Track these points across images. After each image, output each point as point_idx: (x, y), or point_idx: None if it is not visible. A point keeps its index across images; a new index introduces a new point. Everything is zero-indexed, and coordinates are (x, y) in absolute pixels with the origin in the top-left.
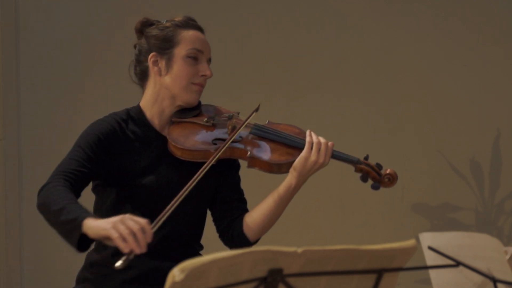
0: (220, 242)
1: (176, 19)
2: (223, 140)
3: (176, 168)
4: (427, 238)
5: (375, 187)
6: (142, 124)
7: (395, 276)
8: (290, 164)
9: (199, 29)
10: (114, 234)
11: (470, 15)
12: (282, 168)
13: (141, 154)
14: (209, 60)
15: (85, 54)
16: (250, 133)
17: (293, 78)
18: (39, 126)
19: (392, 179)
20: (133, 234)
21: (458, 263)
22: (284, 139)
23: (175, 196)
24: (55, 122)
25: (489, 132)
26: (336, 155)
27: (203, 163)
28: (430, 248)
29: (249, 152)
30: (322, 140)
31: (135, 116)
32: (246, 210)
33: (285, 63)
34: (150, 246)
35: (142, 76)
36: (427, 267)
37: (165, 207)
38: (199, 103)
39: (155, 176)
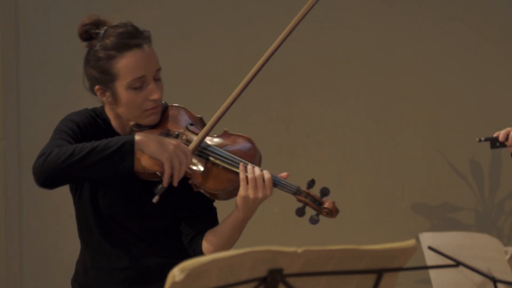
0: None
1: (109, 43)
2: None
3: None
4: (427, 238)
5: (312, 221)
6: (108, 129)
7: (395, 276)
8: (229, 192)
9: (136, 45)
10: (167, 169)
11: (470, 15)
12: (221, 196)
13: None
14: (158, 71)
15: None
16: (194, 154)
17: (292, 78)
18: (39, 126)
19: (330, 213)
20: (179, 171)
21: (458, 263)
22: (227, 163)
23: (139, 197)
24: (55, 122)
25: (489, 132)
26: (276, 184)
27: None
28: (430, 248)
29: (191, 178)
30: (257, 173)
31: (102, 119)
32: (211, 224)
33: (284, 64)
34: (141, 245)
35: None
36: (427, 267)
37: (130, 211)
38: (166, 107)
39: (117, 182)
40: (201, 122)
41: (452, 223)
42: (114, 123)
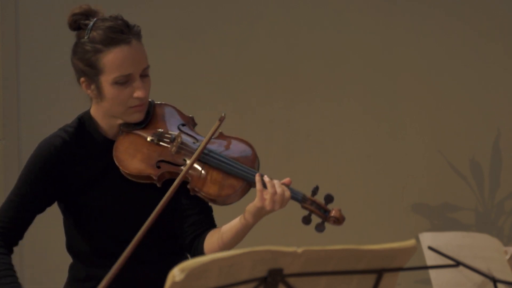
0: None
1: (97, 36)
2: (167, 162)
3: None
4: (427, 238)
5: (319, 229)
6: (94, 133)
7: (395, 276)
8: (232, 197)
9: (124, 41)
10: None
11: (471, 15)
12: (220, 202)
13: (89, 166)
14: (146, 69)
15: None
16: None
17: (292, 79)
18: (39, 126)
19: (337, 221)
20: None
21: (458, 263)
22: (228, 168)
23: (126, 209)
24: (55, 122)
25: (489, 132)
26: None
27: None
28: (430, 248)
29: (190, 182)
30: (278, 190)
31: (86, 124)
32: (208, 224)
33: (285, 64)
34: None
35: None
36: (427, 267)
37: (121, 224)
38: (153, 105)
39: (101, 190)
40: (192, 122)
41: (452, 223)
42: (102, 123)
